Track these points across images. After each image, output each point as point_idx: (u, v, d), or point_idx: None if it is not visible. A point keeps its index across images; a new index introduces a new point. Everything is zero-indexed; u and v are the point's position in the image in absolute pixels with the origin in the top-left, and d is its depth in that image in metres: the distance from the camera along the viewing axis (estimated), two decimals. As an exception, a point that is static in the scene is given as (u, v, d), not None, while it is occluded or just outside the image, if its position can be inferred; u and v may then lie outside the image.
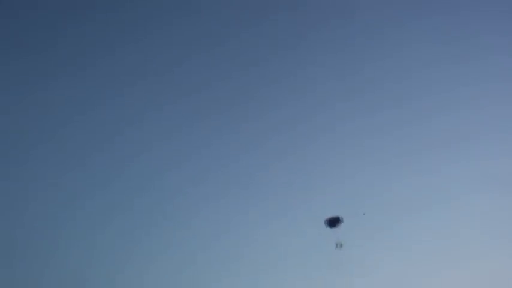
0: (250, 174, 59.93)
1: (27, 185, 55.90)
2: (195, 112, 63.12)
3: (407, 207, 56.09)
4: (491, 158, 58.89)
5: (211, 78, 64.52)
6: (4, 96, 59.24)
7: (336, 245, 37.90)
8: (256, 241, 54.47)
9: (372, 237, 52.97)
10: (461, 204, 56.11)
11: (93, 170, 58.99)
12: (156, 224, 55.77)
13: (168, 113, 63.15)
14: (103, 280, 50.41)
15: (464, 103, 62.92)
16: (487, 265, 51.23)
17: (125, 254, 53.33)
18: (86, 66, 62.81)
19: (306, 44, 65.24)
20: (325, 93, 64.02)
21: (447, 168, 59.09)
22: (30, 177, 56.68)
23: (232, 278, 51.27)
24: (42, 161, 58.30)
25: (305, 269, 50.59)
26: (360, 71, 64.64)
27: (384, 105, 63.02)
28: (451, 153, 60.12)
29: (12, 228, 51.95)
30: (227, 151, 61.56)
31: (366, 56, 64.99)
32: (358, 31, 65.81)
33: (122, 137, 61.85)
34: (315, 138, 62.07)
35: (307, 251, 50.62)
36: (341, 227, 37.53)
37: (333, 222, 37.58)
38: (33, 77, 60.87)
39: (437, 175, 58.60)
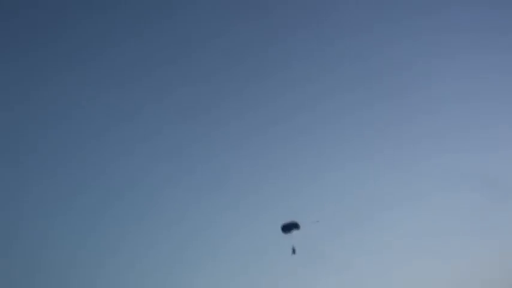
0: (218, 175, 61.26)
1: (22, 182, 57.61)
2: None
3: (379, 204, 57.17)
4: (463, 156, 59.86)
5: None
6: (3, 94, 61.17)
7: (292, 250, 38.44)
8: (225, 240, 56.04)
9: (344, 235, 54.38)
10: (432, 201, 57.02)
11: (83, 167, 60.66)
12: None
13: (154, 111, 64.59)
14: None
15: (439, 101, 63.52)
16: (457, 259, 52.60)
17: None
18: (83, 63, 64.57)
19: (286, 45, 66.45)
20: (298, 96, 65.20)
21: (418, 165, 60.14)
22: (26, 172, 58.56)
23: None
24: (36, 158, 60.17)
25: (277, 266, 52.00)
26: (334, 71, 65.67)
27: (358, 103, 64.02)
28: (422, 151, 61.13)
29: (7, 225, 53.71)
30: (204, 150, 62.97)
31: (345, 56, 66.01)
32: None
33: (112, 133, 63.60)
34: (286, 139, 63.44)
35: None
36: (295, 233, 38.06)
37: (288, 227, 38.26)
38: (32, 75, 62.65)
39: (408, 172, 59.59)
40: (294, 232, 38.28)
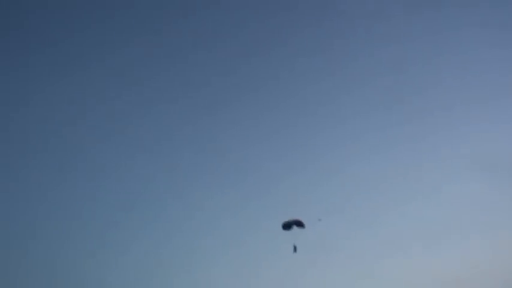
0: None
1: (28, 183, 58.43)
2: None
3: (386, 198, 58.46)
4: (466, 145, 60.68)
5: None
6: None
7: (294, 248, 38.33)
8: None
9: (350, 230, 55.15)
10: (438, 192, 57.94)
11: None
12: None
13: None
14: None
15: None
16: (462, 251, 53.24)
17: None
18: (85, 66, 65.47)
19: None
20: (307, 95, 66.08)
21: (421, 157, 61.20)
22: (31, 175, 59.15)
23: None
24: (43, 160, 60.69)
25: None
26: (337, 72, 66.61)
27: (364, 104, 65.40)
28: (425, 144, 62.27)
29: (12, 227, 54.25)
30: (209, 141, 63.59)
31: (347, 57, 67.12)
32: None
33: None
34: (290, 138, 64.76)
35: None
36: (298, 231, 38.00)
37: (288, 225, 38.02)
38: (36, 77, 63.74)
39: (412, 166, 60.56)
40: (298, 230, 38.12)
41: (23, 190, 57.63)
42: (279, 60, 67.27)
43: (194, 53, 67.19)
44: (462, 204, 56.58)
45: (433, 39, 65.71)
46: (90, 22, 66.39)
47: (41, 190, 58.33)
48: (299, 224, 38.47)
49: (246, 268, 53.88)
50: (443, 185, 58.31)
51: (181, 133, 64.32)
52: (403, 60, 66.06)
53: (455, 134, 62.97)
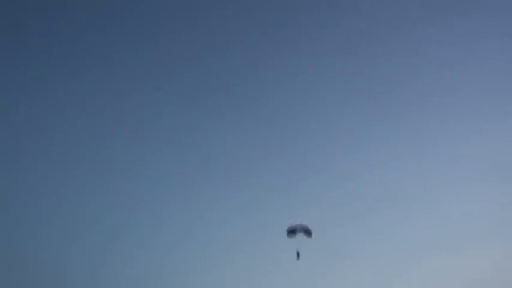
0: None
1: (35, 182, 58.28)
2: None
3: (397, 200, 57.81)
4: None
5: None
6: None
7: (297, 254, 36.45)
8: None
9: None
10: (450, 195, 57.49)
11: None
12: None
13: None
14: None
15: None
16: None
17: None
18: (96, 66, 65.03)
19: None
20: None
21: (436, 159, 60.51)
22: (38, 174, 58.87)
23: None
24: (42, 159, 60.06)
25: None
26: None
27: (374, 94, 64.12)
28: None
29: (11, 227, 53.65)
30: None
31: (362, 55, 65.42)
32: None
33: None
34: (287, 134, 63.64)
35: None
36: (298, 237, 36.07)
37: (293, 231, 35.87)
38: (46, 76, 63.17)
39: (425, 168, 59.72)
40: (303, 237, 36.19)
41: (30, 189, 57.63)
42: (290, 65, 66.66)
43: (206, 56, 66.91)
44: (481, 211, 55.91)
45: (458, 47, 65.12)
46: (104, 23, 66.83)
47: (49, 188, 58.41)
48: (306, 231, 36.38)
49: (254, 273, 53.05)
50: (461, 192, 58.06)
51: (191, 135, 64.02)
52: (418, 68, 65.38)
53: (476, 141, 61.78)
